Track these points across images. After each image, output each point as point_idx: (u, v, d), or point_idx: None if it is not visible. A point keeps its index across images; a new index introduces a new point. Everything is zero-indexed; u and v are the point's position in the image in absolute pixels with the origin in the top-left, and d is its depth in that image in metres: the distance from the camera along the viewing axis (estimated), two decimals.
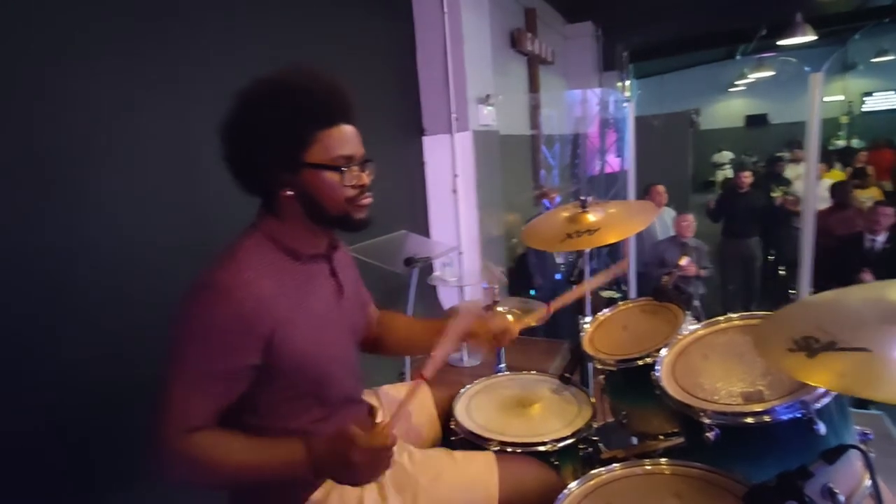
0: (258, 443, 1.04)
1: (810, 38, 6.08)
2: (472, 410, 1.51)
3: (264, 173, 1.06)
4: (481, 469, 1.22)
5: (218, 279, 1.00)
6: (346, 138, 1.07)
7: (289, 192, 1.06)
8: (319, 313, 1.14)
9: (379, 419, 1.31)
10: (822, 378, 0.84)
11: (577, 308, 1.87)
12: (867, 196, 5.88)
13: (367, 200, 1.11)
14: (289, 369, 1.07)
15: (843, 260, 4.05)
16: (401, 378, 2.71)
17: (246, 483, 1.08)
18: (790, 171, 5.69)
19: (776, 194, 5.53)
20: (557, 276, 4.59)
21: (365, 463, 0.97)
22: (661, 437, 1.47)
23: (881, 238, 4.02)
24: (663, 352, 1.35)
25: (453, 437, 1.44)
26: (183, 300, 1.01)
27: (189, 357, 1.00)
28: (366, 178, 1.10)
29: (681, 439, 1.38)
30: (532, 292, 4.50)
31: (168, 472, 1.02)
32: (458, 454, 1.29)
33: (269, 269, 1.05)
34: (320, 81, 1.06)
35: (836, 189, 5.25)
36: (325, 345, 1.14)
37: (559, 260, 4.56)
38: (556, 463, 1.35)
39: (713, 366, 1.25)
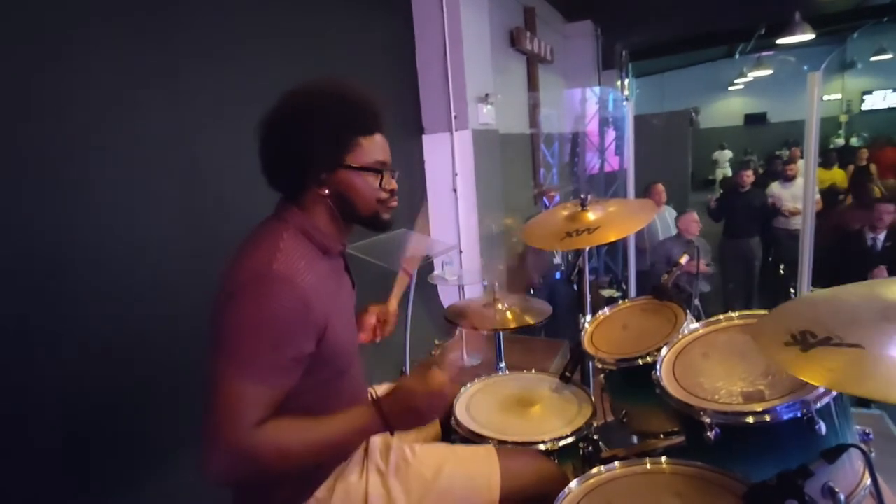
0: (328, 419, 1.04)
1: (809, 36, 6.08)
2: (473, 409, 1.51)
3: (306, 170, 1.11)
4: (483, 462, 1.25)
5: (276, 270, 1.01)
6: (382, 146, 1.17)
7: (325, 190, 1.12)
8: (345, 307, 1.22)
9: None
10: (813, 373, 0.84)
11: (578, 307, 1.87)
12: None
13: (395, 203, 1.20)
14: (327, 359, 1.09)
15: (845, 258, 4.04)
16: (401, 377, 2.71)
17: (317, 459, 1.07)
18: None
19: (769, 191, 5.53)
20: (557, 276, 4.58)
21: (427, 406, 1.06)
22: (662, 436, 1.47)
23: (882, 236, 4.01)
24: (664, 351, 1.35)
25: (454, 435, 1.44)
26: (234, 295, 1.00)
27: (254, 350, 0.98)
28: (395, 184, 1.20)
29: (681, 438, 1.38)
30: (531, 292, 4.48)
31: (234, 472, 0.99)
32: (460, 447, 1.32)
33: (311, 261, 1.09)
34: (365, 93, 1.16)
35: (856, 185, 5.17)
36: (352, 336, 1.25)
37: (557, 260, 4.55)
38: (556, 462, 1.35)
39: (714, 365, 1.25)
